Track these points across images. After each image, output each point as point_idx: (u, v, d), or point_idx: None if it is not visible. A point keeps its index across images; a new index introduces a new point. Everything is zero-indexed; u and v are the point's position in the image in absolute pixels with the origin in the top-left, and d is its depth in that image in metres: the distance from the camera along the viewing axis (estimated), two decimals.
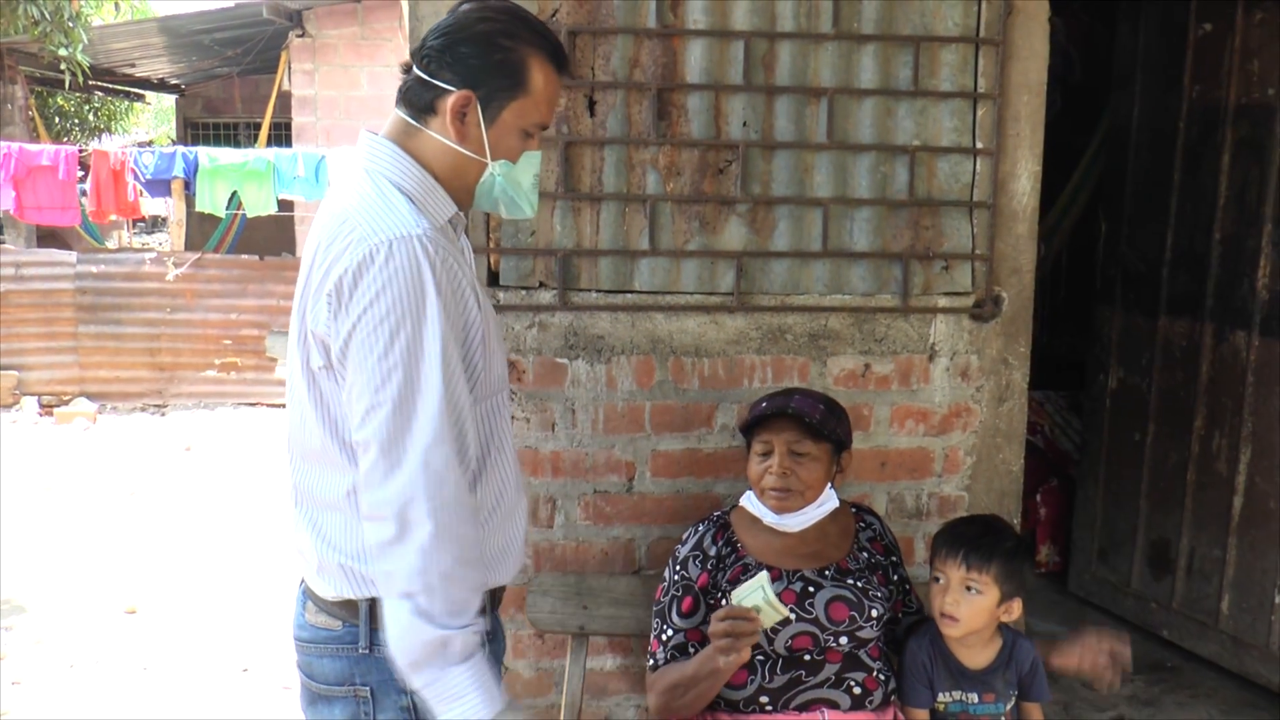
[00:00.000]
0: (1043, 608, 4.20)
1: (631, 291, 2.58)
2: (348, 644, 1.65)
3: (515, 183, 1.72)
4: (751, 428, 2.25)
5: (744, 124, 2.57)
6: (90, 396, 8.08)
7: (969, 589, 2.14)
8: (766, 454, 2.20)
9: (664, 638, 2.21)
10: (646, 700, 2.22)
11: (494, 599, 1.83)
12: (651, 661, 2.22)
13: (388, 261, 1.51)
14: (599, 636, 2.63)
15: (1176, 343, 3.78)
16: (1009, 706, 2.27)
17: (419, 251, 1.52)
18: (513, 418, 2.54)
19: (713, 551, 2.23)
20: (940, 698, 2.24)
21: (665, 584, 2.27)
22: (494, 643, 1.83)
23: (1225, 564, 3.61)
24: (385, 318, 1.51)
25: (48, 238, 10.06)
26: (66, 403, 7.97)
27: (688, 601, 2.21)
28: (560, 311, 2.56)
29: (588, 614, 2.52)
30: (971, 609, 2.14)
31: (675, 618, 2.21)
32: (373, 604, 1.63)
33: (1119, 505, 4.04)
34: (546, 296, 2.55)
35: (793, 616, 2.07)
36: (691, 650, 2.20)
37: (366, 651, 1.66)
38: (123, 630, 4.24)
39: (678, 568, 2.25)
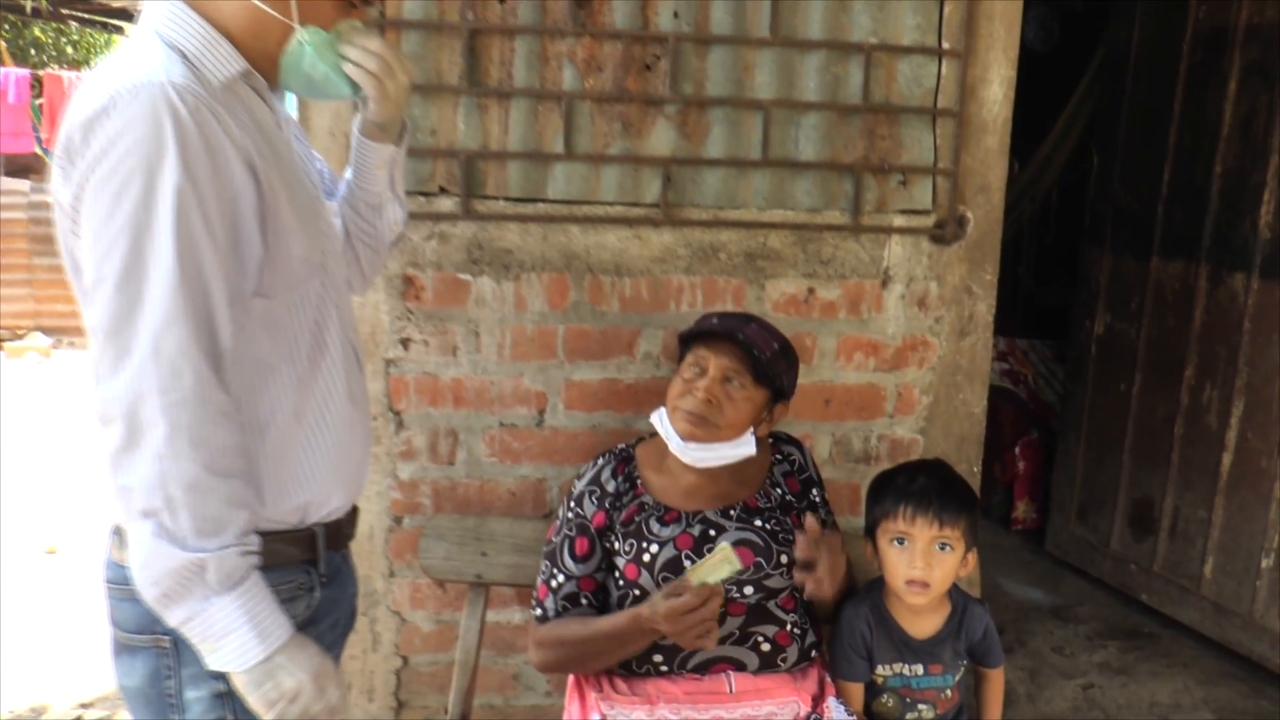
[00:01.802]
0: (1017, 567, 3.95)
1: (544, 200, 2.28)
2: None
3: (329, 57, 1.45)
4: (689, 341, 1.96)
5: (675, 15, 2.25)
6: (45, 331, 7.81)
7: (942, 546, 1.87)
8: (696, 374, 1.91)
9: (554, 584, 1.94)
10: (529, 651, 1.96)
11: (333, 534, 1.56)
12: (539, 610, 1.95)
13: (121, 111, 1.24)
14: (505, 587, 2.36)
15: (1169, 286, 3.48)
16: (957, 678, 2.00)
17: (161, 99, 1.25)
18: (408, 341, 2.27)
19: (611, 487, 1.96)
20: (879, 670, 1.97)
21: (559, 522, 2.00)
22: (330, 587, 1.56)
23: (1211, 525, 3.34)
24: (112, 175, 1.25)
25: (20, 171, 9.73)
26: (20, 337, 7.70)
27: (582, 543, 1.94)
28: (463, 221, 2.26)
29: (486, 561, 2.25)
30: (944, 569, 1.88)
31: (568, 561, 1.94)
32: None
33: (1101, 461, 3.76)
34: (447, 204, 2.26)
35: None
36: (585, 601, 1.93)
37: None
38: (40, 569, 4.00)
39: (572, 504, 1.98)
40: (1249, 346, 3.21)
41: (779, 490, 2.00)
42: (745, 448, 1.92)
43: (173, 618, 1.32)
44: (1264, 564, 3.17)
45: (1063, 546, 3.95)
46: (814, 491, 2.04)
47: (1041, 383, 4.43)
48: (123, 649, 1.46)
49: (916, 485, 1.91)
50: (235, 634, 1.32)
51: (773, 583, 1.88)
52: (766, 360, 1.87)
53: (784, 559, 1.89)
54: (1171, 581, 3.49)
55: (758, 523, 1.92)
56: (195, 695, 1.42)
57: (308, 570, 1.52)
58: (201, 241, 1.29)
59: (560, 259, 2.29)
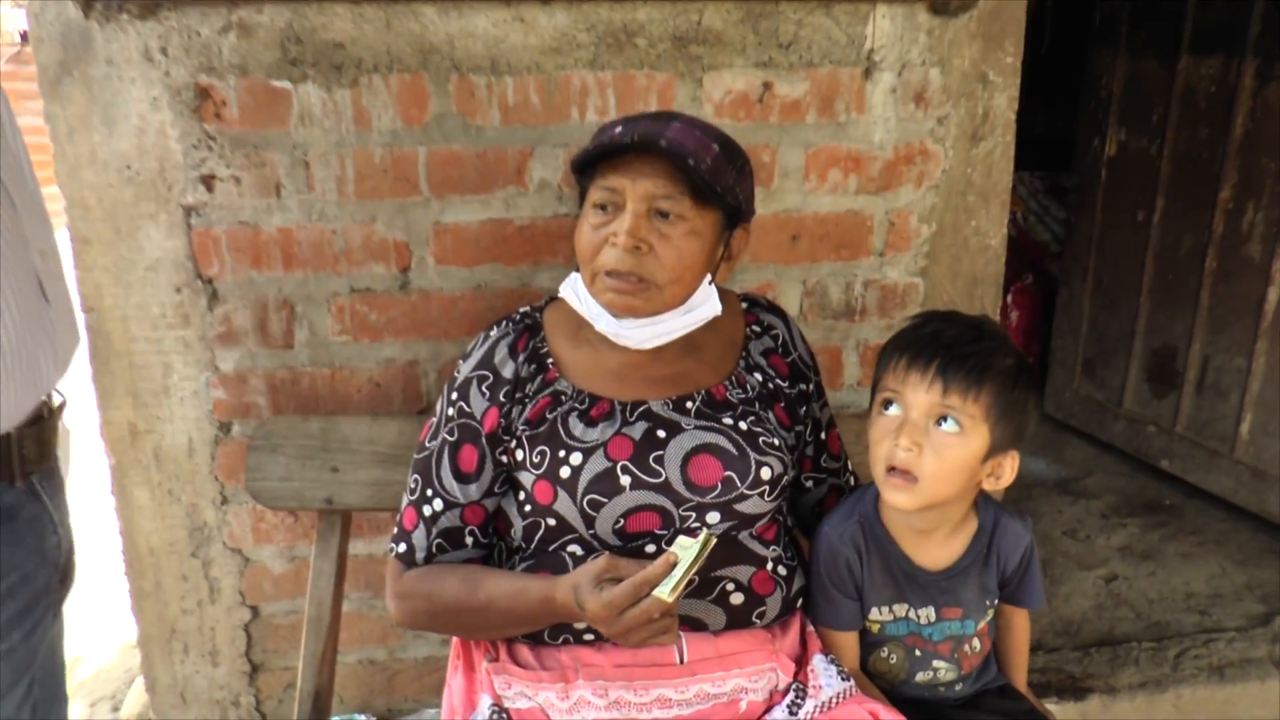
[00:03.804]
0: None
1: None
2: None
3: None
4: (589, 167, 1.29)
5: None
6: None
7: (943, 421, 1.27)
8: (609, 213, 1.27)
9: (426, 512, 1.35)
10: (388, 601, 1.38)
11: None
12: (403, 545, 1.36)
13: None
14: (376, 512, 1.77)
15: (1202, 90, 2.86)
16: (984, 622, 1.43)
17: None
18: (211, 179, 1.61)
19: (509, 371, 1.34)
20: (873, 615, 1.40)
21: (435, 420, 1.39)
22: None
23: (1249, 376, 2.81)
24: None
25: None
26: None
27: (468, 454, 1.33)
28: (270, 5, 1.58)
29: (339, 479, 1.64)
30: (941, 461, 1.26)
31: (446, 479, 1.34)
32: None
33: (1112, 305, 3.20)
34: None
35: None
36: (469, 541, 1.34)
37: None
38: None
39: (454, 397, 1.36)
40: None
41: (758, 375, 1.39)
42: (708, 307, 1.31)
43: None
44: None
45: (1066, 408, 3.42)
46: (804, 384, 1.44)
47: (1033, 220, 3.84)
48: None
49: (925, 330, 1.31)
50: None
51: (748, 506, 1.29)
52: (708, 169, 1.23)
53: (765, 474, 1.29)
54: (1199, 444, 2.97)
55: (727, 420, 1.32)
56: None
57: None
58: None
59: (413, 54, 1.62)
